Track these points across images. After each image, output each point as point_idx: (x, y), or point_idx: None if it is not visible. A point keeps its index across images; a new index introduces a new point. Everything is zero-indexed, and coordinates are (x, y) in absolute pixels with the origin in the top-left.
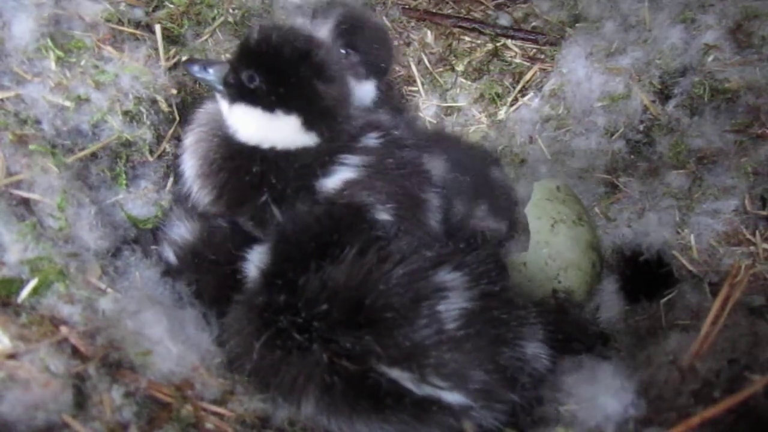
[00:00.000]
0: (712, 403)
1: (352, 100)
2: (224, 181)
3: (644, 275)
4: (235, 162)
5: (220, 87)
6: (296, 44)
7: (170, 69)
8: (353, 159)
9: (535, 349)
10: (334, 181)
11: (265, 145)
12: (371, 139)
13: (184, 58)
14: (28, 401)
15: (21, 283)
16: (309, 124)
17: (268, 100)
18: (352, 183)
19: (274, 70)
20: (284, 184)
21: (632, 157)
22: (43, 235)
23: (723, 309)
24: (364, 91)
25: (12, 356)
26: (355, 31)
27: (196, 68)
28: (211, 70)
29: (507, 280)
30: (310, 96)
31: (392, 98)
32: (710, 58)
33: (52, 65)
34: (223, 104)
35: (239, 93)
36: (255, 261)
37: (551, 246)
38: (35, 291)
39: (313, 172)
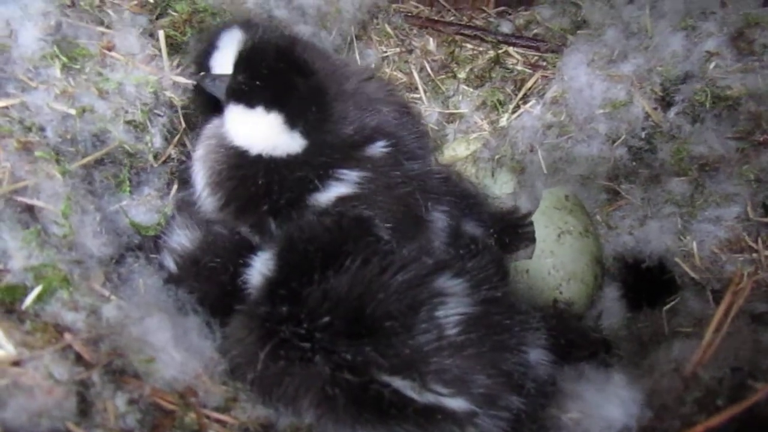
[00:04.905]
0: (716, 411)
1: (342, 99)
2: (231, 190)
3: (646, 282)
4: (241, 172)
5: (223, 97)
6: (276, 42)
7: (174, 76)
8: (351, 174)
9: (538, 355)
10: (328, 196)
11: (255, 150)
12: (377, 149)
13: (193, 73)
14: (32, 408)
15: (25, 290)
16: (291, 121)
17: (249, 95)
18: (347, 199)
19: (254, 67)
20: (279, 195)
21: (634, 164)
22: (47, 242)
23: (726, 316)
24: None
25: (16, 363)
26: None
27: (207, 81)
28: (217, 81)
29: (507, 285)
30: (288, 89)
31: None
32: (712, 66)
33: (58, 73)
34: (225, 112)
35: (232, 94)
36: (259, 268)
37: (556, 256)
38: (39, 298)
39: (309, 184)
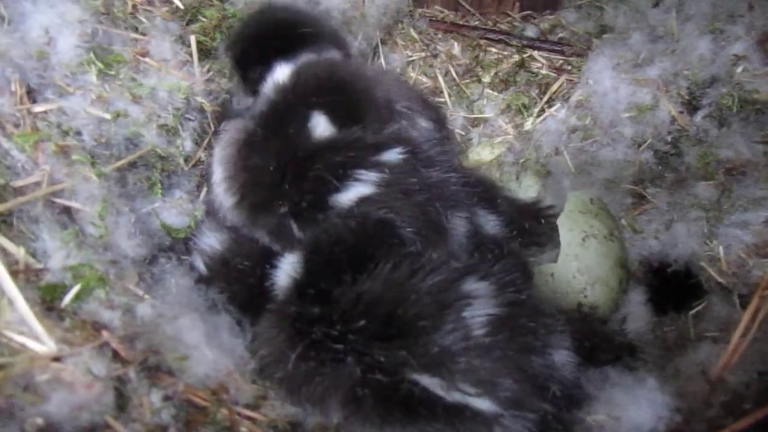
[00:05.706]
0: (743, 414)
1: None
2: (245, 182)
3: (672, 287)
4: (256, 163)
5: None
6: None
7: (205, 81)
8: (370, 175)
9: (563, 358)
10: (348, 196)
11: None
12: (393, 154)
13: None
14: (72, 402)
15: (64, 289)
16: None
17: None
18: (368, 200)
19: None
20: (300, 197)
21: (660, 168)
22: (84, 243)
23: (753, 321)
24: None
25: (57, 359)
26: None
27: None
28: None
29: (532, 288)
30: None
31: None
32: (739, 69)
33: (94, 79)
34: None
35: None
36: (287, 269)
37: (581, 260)
38: (77, 296)
39: (328, 185)
